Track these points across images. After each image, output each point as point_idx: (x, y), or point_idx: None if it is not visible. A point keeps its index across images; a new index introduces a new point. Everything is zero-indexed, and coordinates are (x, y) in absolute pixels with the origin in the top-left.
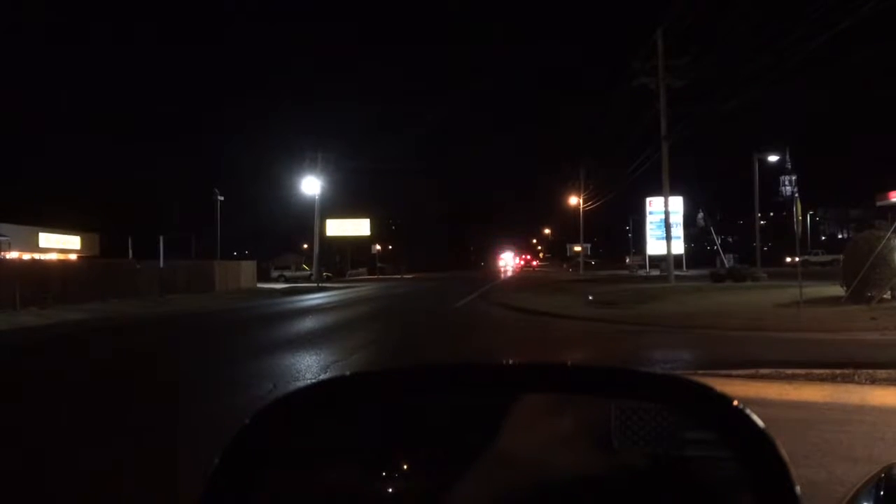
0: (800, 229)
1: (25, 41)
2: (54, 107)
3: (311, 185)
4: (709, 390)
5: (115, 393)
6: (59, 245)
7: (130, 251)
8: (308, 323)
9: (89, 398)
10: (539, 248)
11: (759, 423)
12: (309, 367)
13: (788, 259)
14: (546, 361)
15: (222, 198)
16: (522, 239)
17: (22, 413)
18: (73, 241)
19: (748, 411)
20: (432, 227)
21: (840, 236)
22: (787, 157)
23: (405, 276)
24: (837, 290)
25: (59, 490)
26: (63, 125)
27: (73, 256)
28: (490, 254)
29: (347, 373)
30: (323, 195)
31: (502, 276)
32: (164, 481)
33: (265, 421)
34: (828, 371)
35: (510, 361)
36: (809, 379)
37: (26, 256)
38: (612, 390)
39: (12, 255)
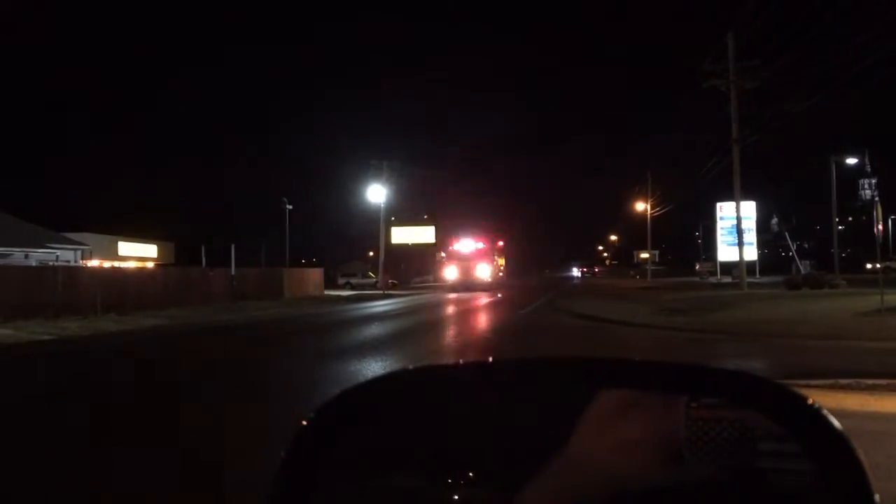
0: (881, 234)
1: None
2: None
3: (376, 193)
4: (783, 388)
5: (181, 396)
6: (137, 253)
7: (203, 259)
8: (375, 329)
9: (165, 401)
10: (605, 254)
11: (836, 424)
12: (376, 373)
13: (869, 265)
14: (612, 356)
15: (291, 206)
16: (588, 245)
17: (96, 413)
18: (149, 250)
19: (825, 412)
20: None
21: None
22: (867, 159)
23: None
24: None
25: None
26: (134, 133)
27: (150, 264)
28: (554, 261)
29: (411, 366)
30: (388, 202)
31: (565, 283)
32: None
33: (323, 419)
34: None
35: (574, 356)
36: (892, 390)
37: (106, 264)
38: (681, 385)
39: (93, 263)
